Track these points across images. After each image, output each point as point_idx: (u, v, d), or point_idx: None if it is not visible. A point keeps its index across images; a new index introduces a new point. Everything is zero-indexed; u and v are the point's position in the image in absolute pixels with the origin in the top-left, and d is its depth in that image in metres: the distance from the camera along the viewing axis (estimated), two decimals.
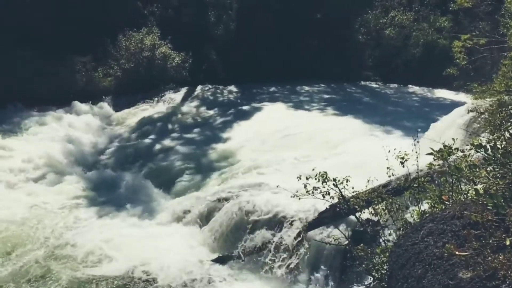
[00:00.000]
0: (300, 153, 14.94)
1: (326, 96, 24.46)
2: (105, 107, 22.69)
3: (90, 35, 23.29)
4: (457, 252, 2.87)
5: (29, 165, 15.72)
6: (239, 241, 10.84)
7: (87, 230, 12.05)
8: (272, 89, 25.62)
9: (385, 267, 4.36)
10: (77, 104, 21.76)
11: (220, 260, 10.58)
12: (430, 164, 4.61)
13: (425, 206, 4.58)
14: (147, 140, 18.66)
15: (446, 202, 4.04)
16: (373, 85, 27.95)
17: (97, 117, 21.28)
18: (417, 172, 5.03)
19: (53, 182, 15.04)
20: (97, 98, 23.08)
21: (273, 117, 19.86)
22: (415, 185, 4.84)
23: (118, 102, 23.13)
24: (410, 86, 26.93)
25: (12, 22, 22.02)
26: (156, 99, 23.90)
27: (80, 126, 19.65)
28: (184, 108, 22.65)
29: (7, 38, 21.50)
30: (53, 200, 13.76)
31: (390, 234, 5.22)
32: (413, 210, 4.63)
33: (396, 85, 27.39)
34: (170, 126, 20.32)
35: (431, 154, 4.19)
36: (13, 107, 20.49)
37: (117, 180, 14.97)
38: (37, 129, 18.84)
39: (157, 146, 17.90)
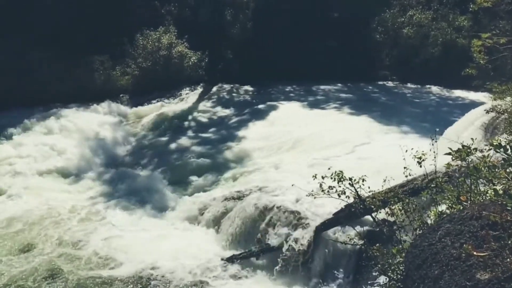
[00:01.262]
0: (316, 153, 14.89)
1: (342, 95, 24.32)
2: (123, 105, 22.94)
3: (108, 34, 23.57)
4: (475, 253, 2.83)
5: (46, 163, 15.94)
6: (253, 240, 10.86)
7: (100, 230, 12.07)
8: (288, 88, 25.57)
9: (401, 268, 4.32)
10: (95, 103, 22.04)
11: (234, 259, 10.59)
12: (448, 164, 4.55)
13: (442, 206, 4.53)
14: (163, 139, 18.81)
15: (464, 203, 3.99)
16: (391, 84, 27.68)
17: (114, 115, 21.51)
18: (435, 172, 4.97)
19: (69, 180, 15.25)
20: (115, 96, 23.35)
21: (289, 116, 19.82)
22: (432, 186, 4.79)
23: (135, 101, 23.37)
24: (428, 86, 26.60)
25: (31, 23, 22.42)
26: (173, 97, 24.07)
27: (97, 125, 19.86)
28: (200, 107, 22.76)
29: (27, 39, 21.88)
30: (68, 198, 13.88)
31: (406, 235, 5.17)
32: (430, 211, 4.58)
33: (414, 85, 27.08)
34: (186, 125, 20.46)
35: (449, 154, 4.14)
36: (32, 106, 20.74)
37: (132, 178, 15.09)
38: (55, 127, 19.04)
39: (173, 145, 18.03)
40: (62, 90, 21.62)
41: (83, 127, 19.16)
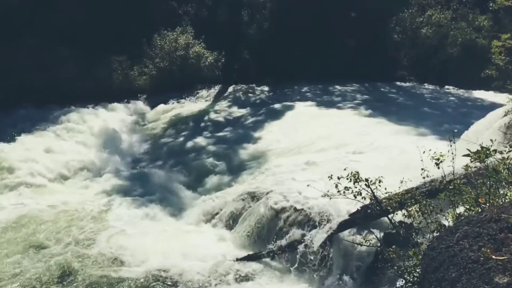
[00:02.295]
0: (332, 153, 14.80)
1: (359, 96, 24.16)
2: (140, 105, 23.19)
3: (126, 35, 23.88)
4: (493, 256, 2.79)
5: (61, 163, 15.99)
6: (268, 240, 10.86)
7: (113, 230, 11.99)
8: (305, 89, 25.49)
9: (417, 270, 4.28)
10: (113, 102, 22.32)
11: (249, 259, 10.58)
12: (467, 166, 4.49)
13: (460, 209, 4.47)
14: (179, 138, 18.94)
15: (483, 205, 3.93)
16: (408, 85, 27.40)
17: (131, 115, 21.75)
18: (453, 174, 4.91)
19: (84, 180, 15.30)
20: (132, 96, 23.63)
21: (305, 117, 19.76)
22: (450, 187, 4.73)
23: (153, 100, 23.61)
24: (447, 86, 26.25)
25: (51, 22, 22.82)
26: (189, 97, 24.25)
27: (115, 124, 20.06)
28: (217, 107, 22.86)
29: (47, 38, 22.28)
30: (82, 198, 13.90)
31: (423, 237, 5.12)
32: (448, 213, 4.52)
33: (432, 86, 26.76)
34: (202, 125, 20.55)
35: (467, 155, 4.08)
36: (51, 105, 21.01)
37: (148, 178, 15.14)
38: (73, 126, 19.27)
39: (189, 144, 18.14)
40: (81, 89, 21.99)
41: (100, 127, 19.36)
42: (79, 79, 22.27)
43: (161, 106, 23.00)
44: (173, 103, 23.52)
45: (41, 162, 15.77)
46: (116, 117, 20.89)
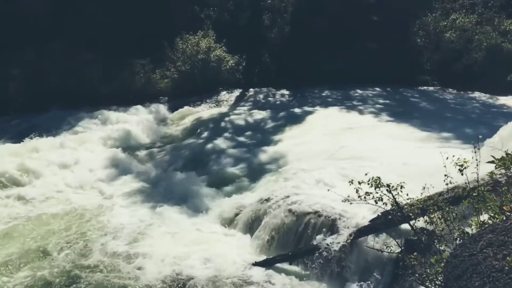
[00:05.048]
0: (352, 160, 14.67)
1: (381, 100, 23.91)
2: (161, 107, 23.44)
3: (149, 38, 24.23)
4: None
5: (81, 164, 16.14)
6: (287, 245, 10.81)
7: (129, 233, 11.87)
8: (325, 93, 25.39)
9: (439, 278, 4.22)
10: (135, 105, 22.61)
11: (267, 264, 10.53)
12: (492, 173, 4.41)
13: (484, 216, 4.39)
14: (199, 141, 19.04)
15: (508, 213, 3.85)
16: (431, 89, 27.02)
17: (153, 118, 21.99)
18: (477, 181, 4.82)
19: (104, 182, 15.32)
20: (154, 99, 23.93)
21: (325, 121, 19.67)
22: (474, 194, 4.65)
23: (174, 103, 23.86)
24: (471, 91, 25.78)
25: (79, 26, 23.34)
26: (210, 101, 24.42)
27: (136, 126, 20.32)
28: (237, 110, 22.93)
29: (72, 42, 22.79)
30: (99, 201, 13.89)
31: (445, 244, 5.03)
32: (471, 220, 4.44)
33: (455, 91, 26.32)
34: (222, 128, 20.63)
35: (492, 162, 4.01)
36: (77, 107, 21.37)
37: (167, 180, 15.12)
38: (96, 129, 19.58)
39: (209, 147, 18.19)
40: (104, 92, 22.40)
41: (122, 129, 19.64)
42: (102, 82, 22.71)
43: (182, 109, 23.19)
44: (194, 106, 23.70)
45: (58, 165, 15.90)
46: (137, 119, 21.14)
